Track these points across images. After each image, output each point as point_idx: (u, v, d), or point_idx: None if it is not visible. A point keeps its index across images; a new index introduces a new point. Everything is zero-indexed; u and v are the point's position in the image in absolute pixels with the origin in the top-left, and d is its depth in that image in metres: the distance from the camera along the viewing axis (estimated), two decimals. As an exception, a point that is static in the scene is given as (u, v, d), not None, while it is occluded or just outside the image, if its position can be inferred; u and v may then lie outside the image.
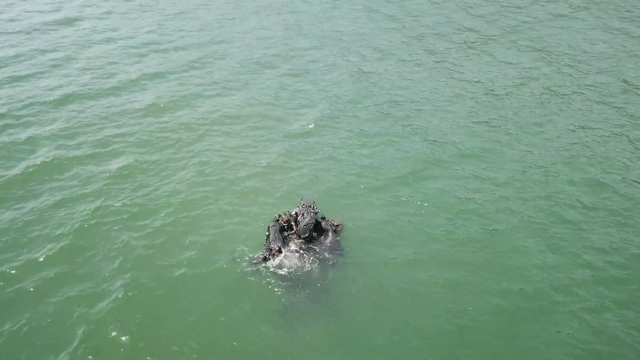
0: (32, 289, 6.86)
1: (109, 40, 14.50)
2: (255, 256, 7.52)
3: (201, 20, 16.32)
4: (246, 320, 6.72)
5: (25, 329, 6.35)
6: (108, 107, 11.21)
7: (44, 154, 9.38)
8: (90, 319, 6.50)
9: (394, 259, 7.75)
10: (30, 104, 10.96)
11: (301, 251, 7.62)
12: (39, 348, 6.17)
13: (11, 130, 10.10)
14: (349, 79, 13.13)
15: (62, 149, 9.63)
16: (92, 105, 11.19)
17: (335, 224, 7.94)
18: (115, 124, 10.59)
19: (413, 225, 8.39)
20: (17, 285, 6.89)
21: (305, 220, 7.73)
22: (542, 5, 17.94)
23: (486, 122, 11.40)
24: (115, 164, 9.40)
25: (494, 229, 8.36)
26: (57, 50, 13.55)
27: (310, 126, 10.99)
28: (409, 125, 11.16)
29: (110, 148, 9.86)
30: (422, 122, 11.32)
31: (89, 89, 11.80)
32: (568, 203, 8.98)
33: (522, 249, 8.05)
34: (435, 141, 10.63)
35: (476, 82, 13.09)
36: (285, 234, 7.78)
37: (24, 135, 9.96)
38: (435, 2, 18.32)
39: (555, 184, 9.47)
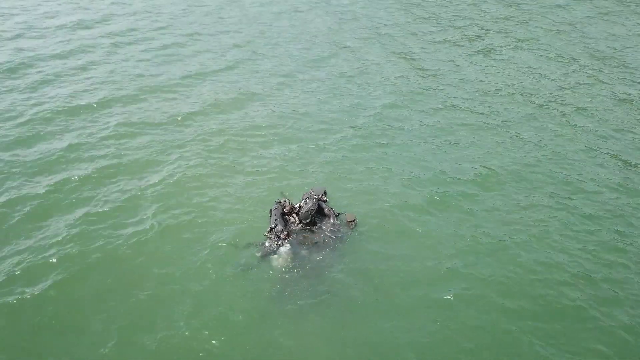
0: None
1: (131, 44, 14.53)
2: (262, 243, 7.49)
3: (226, 23, 16.40)
4: (242, 308, 6.73)
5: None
6: (131, 114, 11.07)
7: (65, 162, 9.36)
8: (90, 320, 6.48)
9: (392, 248, 7.78)
10: (57, 109, 10.95)
11: (300, 236, 7.65)
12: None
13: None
14: (374, 79, 13.15)
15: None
16: (115, 111, 11.12)
17: (348, 220, 7.95)
18: (139, 129, 10.51)
19: (416, 220, 8.37)
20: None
21: (307, 205, 7.77)
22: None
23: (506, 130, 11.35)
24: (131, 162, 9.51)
25: (495, 225, 8.35)
26: (83, 53, 13.59)
27: (329, 125, 11.05)
28: (429, 129, 11.11)
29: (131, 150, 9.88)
30: (446, 128, 11.18)
31: (113, 95, 11.73)
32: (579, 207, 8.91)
33: (518, 242, 8.02)
34: (450, 145, 10.65)
35: (508, 85, 13.04)
36: (287, 217, 7.82)
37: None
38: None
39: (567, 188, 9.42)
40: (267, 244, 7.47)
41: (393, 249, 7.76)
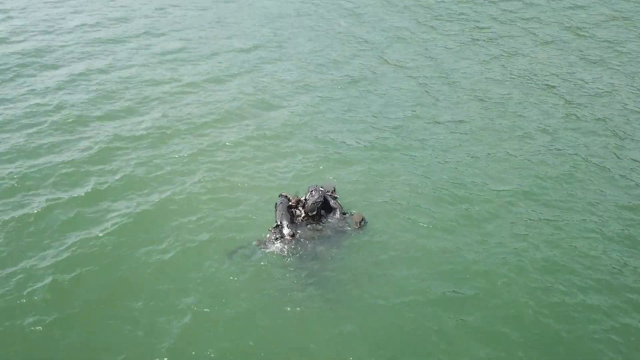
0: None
1: (147, 47, 14.56)
2: (265, 238, 7.40)
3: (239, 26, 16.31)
4: (246, 304, 6.65)
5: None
6: (137, 123, 10.92)
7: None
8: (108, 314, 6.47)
9: (398, 249, 7.59)
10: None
11: (305, 230, 7.54)
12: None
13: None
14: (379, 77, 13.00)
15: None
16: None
17: (356, 220, 7.79)
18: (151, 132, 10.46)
19: (424, 217, 8.23)
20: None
21: (314, 197, 7.67)
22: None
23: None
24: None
25: (507, 239, 8.02)
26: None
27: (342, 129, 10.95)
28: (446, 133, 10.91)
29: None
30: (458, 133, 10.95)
31: (121, 103, 11.56)
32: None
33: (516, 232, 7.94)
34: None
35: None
36: (293, 210, 7.74)
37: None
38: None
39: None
40: (269, 236, 7.39)
41: (399, 249, 7.54)
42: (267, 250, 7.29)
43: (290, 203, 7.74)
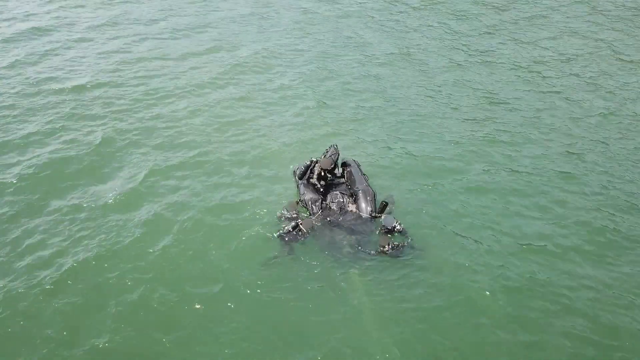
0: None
1: (170, 39, 14.72)
2: (282, 230, 7.47)
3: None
4: (250, 291, 6.82)
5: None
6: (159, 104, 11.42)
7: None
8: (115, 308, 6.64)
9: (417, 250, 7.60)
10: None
11: (334, 214, 7.68)
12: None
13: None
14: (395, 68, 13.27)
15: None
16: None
17: (381, 243, 7.44)
18: (169, 123, 10.74)
19: (441, 220, 8.30)
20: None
21: (328, 153, 8.15)
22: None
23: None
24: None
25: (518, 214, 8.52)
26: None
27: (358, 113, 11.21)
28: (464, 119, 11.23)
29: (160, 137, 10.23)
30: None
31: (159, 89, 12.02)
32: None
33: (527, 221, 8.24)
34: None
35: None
36: (311, 174, 8.07)
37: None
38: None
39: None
40: (287, 228, 7.43)
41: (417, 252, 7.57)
42: (283, 237, 7.39)
43: (307, 163, 8.11)
